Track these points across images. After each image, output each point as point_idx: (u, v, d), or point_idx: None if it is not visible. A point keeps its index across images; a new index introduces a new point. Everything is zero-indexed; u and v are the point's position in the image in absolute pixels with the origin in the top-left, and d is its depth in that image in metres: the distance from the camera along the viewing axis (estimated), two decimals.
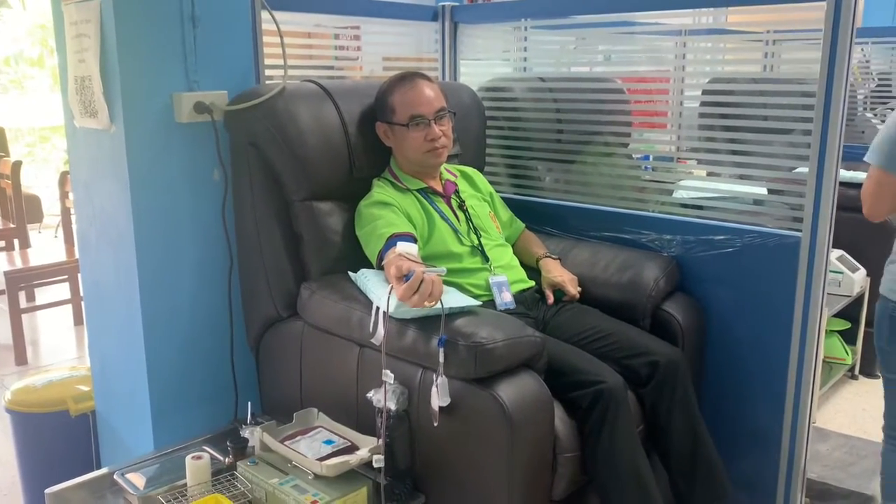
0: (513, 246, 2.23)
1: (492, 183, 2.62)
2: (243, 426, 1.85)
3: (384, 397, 1.60)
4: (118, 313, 2.04)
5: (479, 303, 1.71)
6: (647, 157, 3.13)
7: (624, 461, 1.65)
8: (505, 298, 1.95)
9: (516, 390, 1.56)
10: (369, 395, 1.64)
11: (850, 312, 3.21)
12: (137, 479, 1.74)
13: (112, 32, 1.81)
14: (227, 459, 1.79)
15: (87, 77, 1.89)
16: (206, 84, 1.96)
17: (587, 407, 1.66)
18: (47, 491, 1.71)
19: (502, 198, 2.32)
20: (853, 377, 3.35)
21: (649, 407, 1.84)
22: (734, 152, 2.27)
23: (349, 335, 1.77)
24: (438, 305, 1.55)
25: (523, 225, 2.29)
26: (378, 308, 1.65)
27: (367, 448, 1.65)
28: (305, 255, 1.96)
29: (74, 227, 2.24)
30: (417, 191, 2.03)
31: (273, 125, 1.91)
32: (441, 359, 1.55)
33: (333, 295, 1.83)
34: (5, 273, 3.58)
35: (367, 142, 2.03)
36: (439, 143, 1.98)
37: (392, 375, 1.59)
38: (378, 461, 1.58)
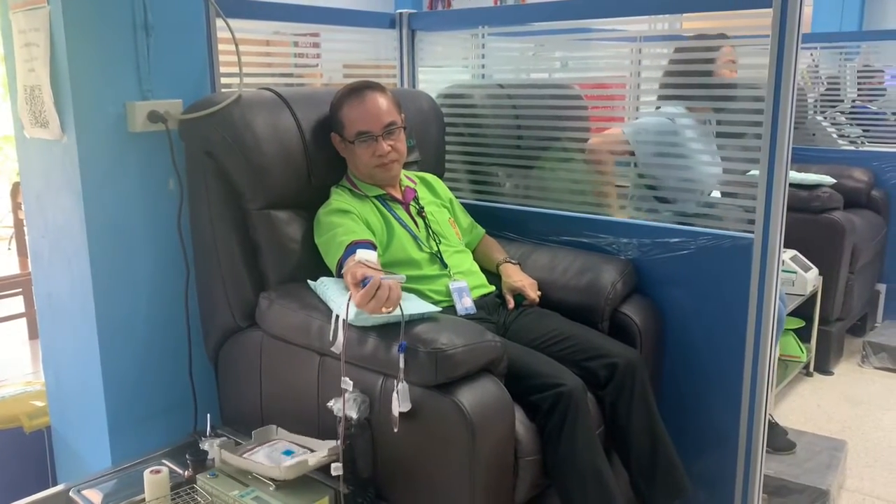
0: (473, 252, 2.24)
1: (452, 189, 2.63)
2: (203, 439, 1.83)
3: (343, 406, 1.59)
4: (73, 326, 2.00)
5: (438, 309, 1.71)
6: None
7: (584, 463, 1.67)
8: (465, 304, 1.96)
9: (477, 395, 1.57)
10: (329, 403, 1.63)
11: (803, 311, 3.29)
12: (94, 496, 1.72)
13: (62, 41, 1.78)
14: (186, 473, 1.77)
15: (37, 87, 1.86)
16: (160, 93, 1.94)
17: (547, 410, 1.67)
18: None
19: (463, 204, 2.33)
20: (808, 374, 3.42)
21: (609, 408, 1.86)
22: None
23: (309, 344, 1.77)
24: (397, 312, 1.55)
25: (483, 231, 2.30)
26: (337, 316, 1.65)
27: (326, 447, 1.64)
28: (264, 265, 1.95)
29: (27, 238, 2.19)
30: (376, 197, 2.03)
31: (229, 134, 1.90)
32: (401, 365, 1.55)
33: (292, 304, 1.82)
34: None
35: (325, 149, 2.02)
36: (387, 159, 1.98)
37: (351, 383, 1.58)
38: (336, 469, 1.58)
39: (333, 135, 2.01)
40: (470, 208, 2.44)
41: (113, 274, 1.92)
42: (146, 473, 1.67)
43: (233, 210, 1.95)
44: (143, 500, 1.68)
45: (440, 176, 2.42)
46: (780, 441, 2.53)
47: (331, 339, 1.67)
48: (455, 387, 1.56)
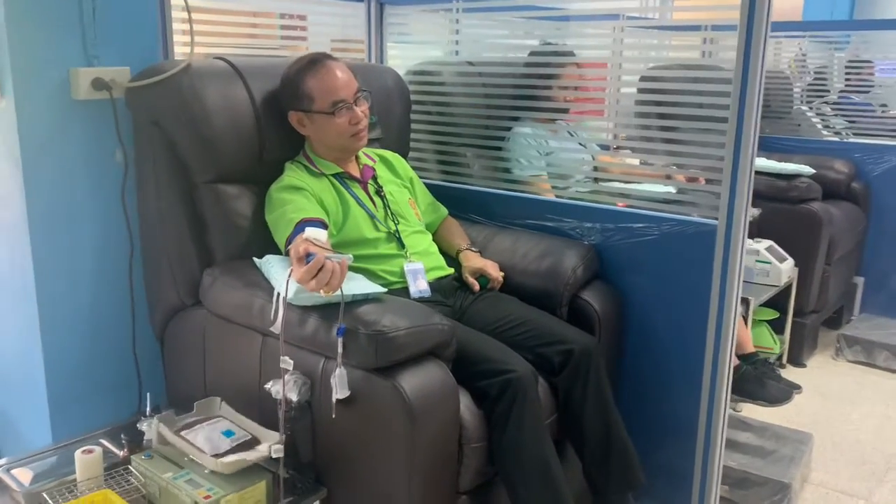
0: (434, 233, 2.18)
1: (418, 169, 2.57)
2: (143, 419, 1.77)
3: (283, 388, 1.53)
4: (13, 301, 1.94)
5: (383, 290, 1.65)
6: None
7: (530, 451, 1.62)
8: (420, 286, 1.90)
9: (419, 380, 1.52)
10: (268, 385, 1.57)
11: (778, 302, 3.24)
12: (24, 475, 1.66)
13: (0, 3, 1.70)
14: (122, 453, 1.71)
15: None
16: (107, 59, 1.87)
17: (495, 396, 1.62)
18: None
19: (429, 185, 2.26)
20: (781, 366, 3.38)
21: (562, 396, 1.82)
22: (666, 140, 2.26)
23: (251, 323, 1.71)
24: (338, 293, 1.49)
25: (446, 211, 2.24)
26: (279, 294, 1.59)
27: (268, 443, 1.59)
28: (210, 241, 1.89)
29: None
30: (333, 175, 1.96)
31: (176, 103, 1.83)
32: (339, 349, 1.50)
33: (235, 281, 1.76)
34: None
35: (280, 123, 1.95)
36: (362, 125, 1.92)
37: (291, 363, 1.53)
38: (277, 451, 1.52)
39: (292, 113, 1.93)
40: (436, 189, 2.38)
41: (54, 247, 1.85)
42: (78, 453, 1.61)
43: (180, 183, 1.88)
44: (76, 480, 1.62)
45: (404, 155, 2.36)
46: (773, 390, 2.48)
47: (272, 317, 1.61)
48: (397, 371, 1.51)
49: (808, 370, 3.39)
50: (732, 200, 1.88)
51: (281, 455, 1.52)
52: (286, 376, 1.58)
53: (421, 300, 1.88)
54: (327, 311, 1.56)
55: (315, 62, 1.91)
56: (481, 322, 1.89)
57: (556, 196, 2.38)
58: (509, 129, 2.52)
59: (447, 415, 1.56)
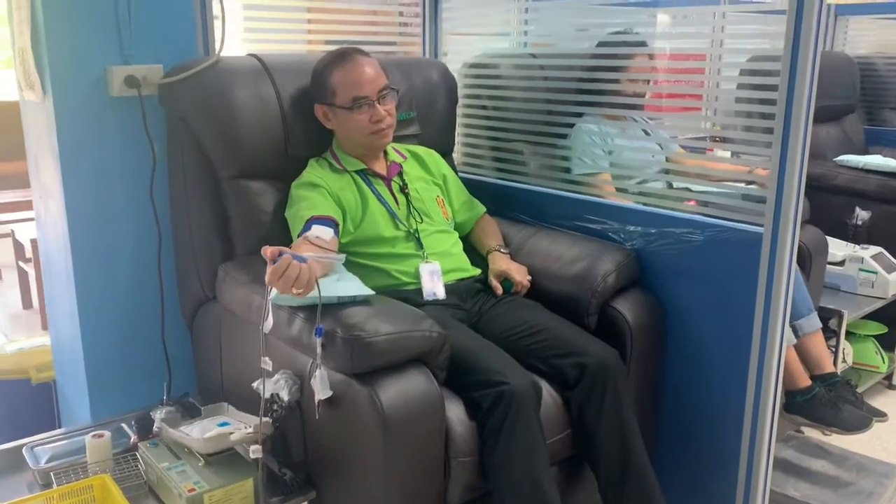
0: (469, 232, 2.12)
1: (470, 165, 2.51)
2: (160, 407, 1.83)
3: (263, 387, 1.53)
4: (62, 287, 2.05)
5: (371, 292, 1.60)
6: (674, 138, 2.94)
7: (521, 469, 1.52)
8: (433, 287, 1.84)
9: (399, 388, 1.46)
10: (254, 384, 1.57)
11: (887, 316, 2.91)
12: (44, 454, 1.75)
13: (39, 3, 1.79)
14: (132, 439, 1.77)
15: (24, 49, 1.90)
16: (142, 58, 1.93)
17: (487, 408, 1.54)
18: None
19: (478, 181, 2.19)
20: (890, 387, 3.04)
21: (576, 411, 1.70)
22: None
23: (251, 320, 1.71)
24: (314, 294, 1.46)
25: (483, 210, 2.16)
26: (266, 294, 1.58)
27: (250, 426, 1.59)
28: (233, 235, 1.91)
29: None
30: (356, 172, 1.93)
31: (201, 99, 1.86)
32: (318, 350, 1.47)
33: (243, 277, 1.77)
34: (32, 241, 3.71)
35: (306, 120, 1.94)
36: (384, 124, 1.88)
37: (271, 363, 1.52)
38: (255, 451, 1.52)
39: (317, 106, 1.92)
40: (484, 186, 2.31)
41: (91, 239, 1.94)
42: (88, 438, 1.69)
43: (206, 178, 1.91)
44: (87, 463, 1.69)
45: (447, 151, 2.30)
46: (848, 416, 2.23)
47: (263, 316, 1.60)
48: (375, 377, 1.46)
49: None
50: (779, 204, 1.69)
51: (259, 456, 1.51)
52: (277, 375, 1.58)
53: (435, 302, 1.82)
54: (314, 312, 1.54)
55: (342, 56, 1.89)
56: (497, 328, 1.81)
57: (620, 195, 2.23)
58: (571, 125, 2.39)
59: (429, 427, 1.49)
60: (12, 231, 4.00)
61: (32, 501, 1.54)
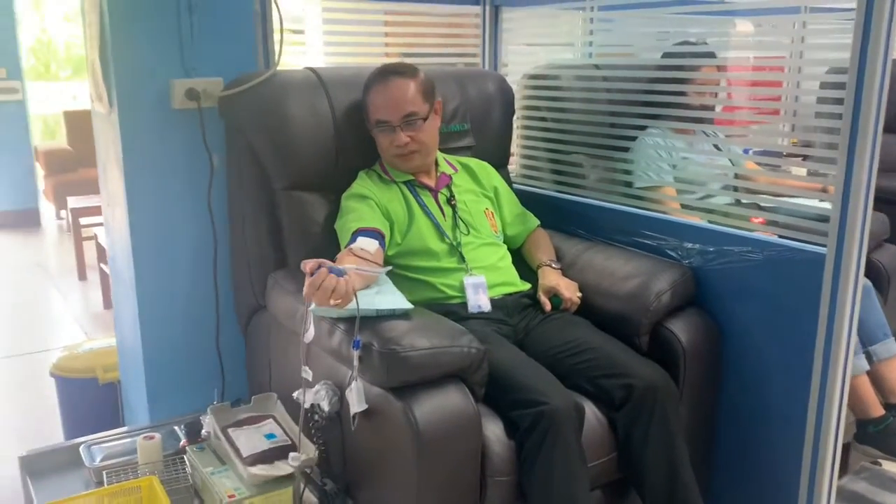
0: (521, 245, 2.09)
1: (528, 178, 2.48)
2: (209, 412, 1.87)
3: (303, 397, 1.54)
4: (125, 292, 2.13)
5: (410, 306, 1.59)
6: (746, 151, 2.85)
7: (559, 493, 1.48)
8: (478, 301, 1.82)
9: (434, 404, 1.44)
10: (295, 394, 1.58)
11: None
12: (99, 452, 1.81)
13: (107, 19, 1.87)
14: (181, 443, 1.82)
15: (94, 62, 1.98)
16: (204, 71, 1.99)
17: (526, 428, 1.51)
18: (20, 455, 1.81)
19: (535, 194, 2.16)
20: None
21: (622, 434, 1.65)
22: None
23: (297, 329, 1.73)
24: (353, 305, 1.46)
25: (536, 223, 2.13)
26: (307, 305, 1.60)
27: (297, 460, 1.59)
28: (285, 245, 1.94)
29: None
30: (404, 183, 1.94)
31: (257, 111, 1.90)
32: (355, 362, 1.47)
33: (290, 287, 1.79)
34: None
35: (358, 132, 1.95)
36: (405, 150, 1.88)
37: (311, 373, 1.53)
38: (294, 458, 1.54)
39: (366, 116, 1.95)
40: (541, 199, 2.28)
41: (151, 244, 2.01)
42: (139, 439, 1.74)
43: (261, 188, 1.95)
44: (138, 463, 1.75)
45: (502, 163, 2.28)
46: None
47: (305, 326, 1.62)
48: (411, 392, 1.45)
49: None
50: (843, 223, 1.59)
51: (297, 463, 1.53)
52: (318, 385, 1.59)
53: (479, 316, 1.80)
54: (353, 324, 1.54)
55: (379, 75, 1.90)
56: (543, 345, 1.77)
57: (683, 211, 2.14)
58: (634, 137, 2.32)
59: (464, 443, 1.47)
60: (95, 234, 4.19)
61: (83, 499, 1.59)
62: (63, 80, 11.13)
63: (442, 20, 2.67)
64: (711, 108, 2.39)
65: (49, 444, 1.89)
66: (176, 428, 1.91)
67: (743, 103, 2.44)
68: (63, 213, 5.66)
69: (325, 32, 2.61)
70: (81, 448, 1.82)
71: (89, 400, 2.41)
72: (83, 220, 4.51)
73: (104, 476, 1.71)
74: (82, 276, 4.59)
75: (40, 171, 6.03)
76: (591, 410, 1.64)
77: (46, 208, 6.23)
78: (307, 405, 1.57)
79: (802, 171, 2.66)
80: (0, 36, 5.70)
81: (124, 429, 1.99)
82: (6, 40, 5.73)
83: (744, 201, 2.33)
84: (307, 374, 1.53)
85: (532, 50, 2.70)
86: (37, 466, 1.80)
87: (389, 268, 1.66)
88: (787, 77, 2.72)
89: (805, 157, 2.28)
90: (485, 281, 1.85)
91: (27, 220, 6.02)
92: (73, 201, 4.67)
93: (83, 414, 2.41)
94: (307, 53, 2.67)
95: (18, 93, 5.81)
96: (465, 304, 1.82)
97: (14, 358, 3.46)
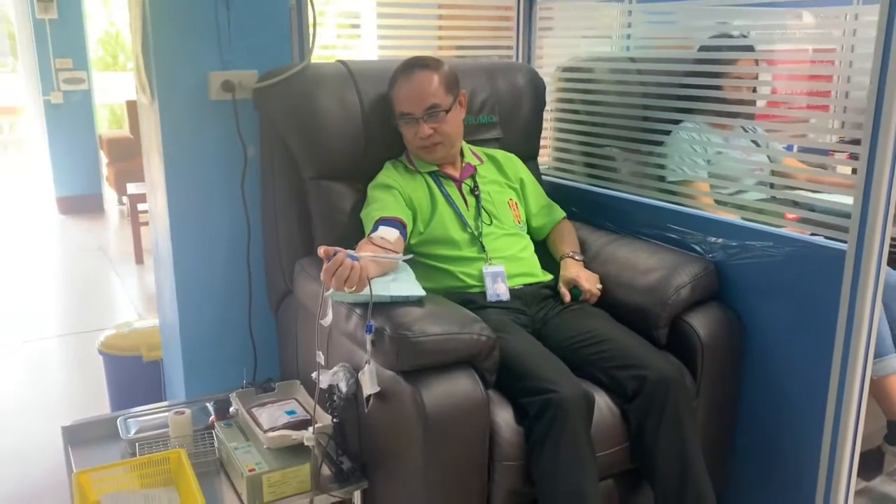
0: (546, 237, 2.11)
1: (560, 170, 2.50)
2: (241, 389, 1.95)
3: (318, 377, 1.60)
4: (165, 273, 2.24)
5: (423, 293, 1.64)
6: (790, 148, 2.80)
7: (566, 479, 1.51)
8: (497, 290, 1.86)
9: (442, 388, 1.49)
10: (313, 375, 1.65)
11: None
12: (135, 425, 1.92)
13: (149, 13, 1.96)
14: (210, 419, 1.90)
15: (138, 55, 2.08)
16: (240, 63, 2.06)
17: (534, 415, 1.54)
18: (62, 425, 1.93)
19: (565, 186, 2.18)
20: None
21: (634, 425, 1.66)
22: None
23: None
24: (366, 291, 1.51)
25: (562, 215, 2.15)
26: (324, 289, 1.66)
27: (313, 428, 1.66)
28: (314, 233, 2.01)
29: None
30: (428, 173, 1.98)
31: (289, 103, 1.97)
32: (368, 346, 1.53)
33: (314, 272, 1.85)
34: None
35: (385, 124, 2.00)
36: (429, 142, 1.92)
37: (323, 356, 1.59)
38: (309, 439, 1.60)
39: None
40: (571, 191, 2.30)
41: (189, 229, 2.10)
42: (171, 414, 1.84)
43: (292, 177, 2.02)
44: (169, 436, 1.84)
45: (531, 155, 2.30)
46: None
47: (320, 311, 1.68)
48: (421, 376, 1.50)
49: None
50: (864, 219, 1.57)
51: (312, 444, 1.59)
52: (336, 367, 1.65)
53: (498, 304, 1.84)
54: (368, 309, 1.59)
55: (404, 68, 1.94)
56: (560, 335, 1.80)
57: (716, 207, 2.13)
58: (668, 131, 2.31)
59: (472, 427, 1.51)
60: None
61: (116, 467, 1.69)
62: (130, 71, 11.51)
63: (492, 14, 2.70)
64: (751, 103, 2.35)
65: (90, 416, 2.00)
66: (208, 404, 1.99)
67: (787, 99, 2.39)
68: (124, 198, 5.89)
69: (379, 26, 2.68)
70: (119, 421, 1.93)
71: (134, 376, 2.53)
72: (141, 206, 4.69)
73: (137, 447, 1.81)
74: (139, 259, 4.78)
75: (104, 159, 6.28)
76: (603, 401, 1.67)
77: (109, 194, 6.49)
78: (324, 385, 1.63)
79: (847, 170, 2.60)
80: (68, 28, 5.93)
81: (160, 404, 2.09)
82: (74, 32, 5.97)
83: (778, 198, 2.29)
84: (320, 357, 1.59)
85: (568, 42, 2.70)
86: (78, 436, 1.91)
87: (410, 256, 1.71)
88: (836, 71, 2.65)
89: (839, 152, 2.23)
90: (504, 270, 1.88)
91: (91, 206, 6.29)
92: (132, 187, 4.87)
93: (128, 389, 2.54)
94: (361, 48, 2.75)
95: (84, 83, 6.05)
96: (484, 293, 1.86)
97: (72, 336, 3.65)
